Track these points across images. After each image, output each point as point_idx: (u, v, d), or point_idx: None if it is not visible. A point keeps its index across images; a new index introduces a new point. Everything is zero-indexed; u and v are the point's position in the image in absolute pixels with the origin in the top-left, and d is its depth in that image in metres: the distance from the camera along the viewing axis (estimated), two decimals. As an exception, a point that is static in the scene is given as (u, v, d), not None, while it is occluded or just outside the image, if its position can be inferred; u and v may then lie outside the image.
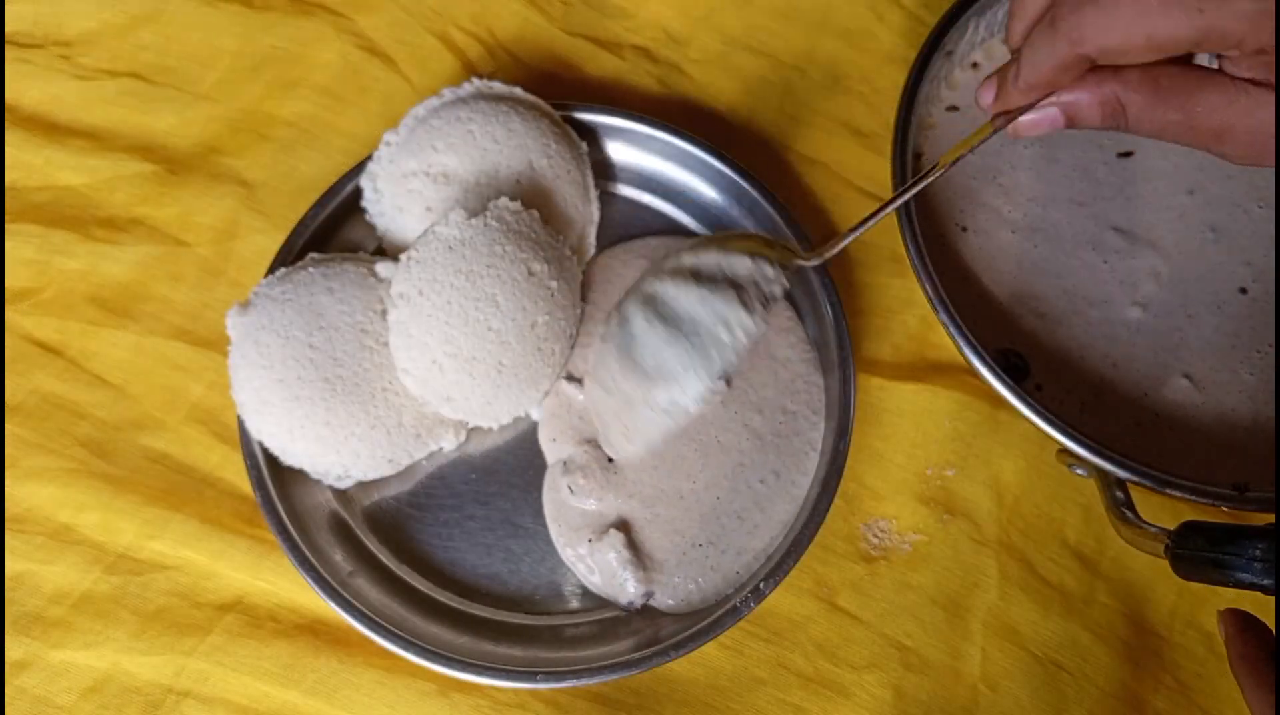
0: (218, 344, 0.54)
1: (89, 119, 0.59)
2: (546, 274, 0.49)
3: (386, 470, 0.50)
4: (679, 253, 0.46)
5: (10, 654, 0.49)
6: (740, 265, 0.44)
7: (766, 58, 0.62)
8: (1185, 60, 0.38)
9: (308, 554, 0.47)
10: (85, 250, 0.56)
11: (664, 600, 0.49)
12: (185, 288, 0.56)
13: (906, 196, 0.44)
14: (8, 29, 0.61)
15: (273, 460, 0.49)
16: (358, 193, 0.54)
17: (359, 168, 0.54)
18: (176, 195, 0.57)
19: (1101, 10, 0.36)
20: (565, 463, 0.51)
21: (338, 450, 0.48)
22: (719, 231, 0.56)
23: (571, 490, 0.50)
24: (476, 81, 0.54)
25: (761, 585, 0.47)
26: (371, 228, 0.54)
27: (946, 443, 0.53)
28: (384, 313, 0.49)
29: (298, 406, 0.47)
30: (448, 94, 0.54)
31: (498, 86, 0.54)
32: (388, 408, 0.49)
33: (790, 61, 0.62)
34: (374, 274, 0.50)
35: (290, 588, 0.50)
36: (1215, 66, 0.38)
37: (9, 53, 0.60)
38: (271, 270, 0.52)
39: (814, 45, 0.62)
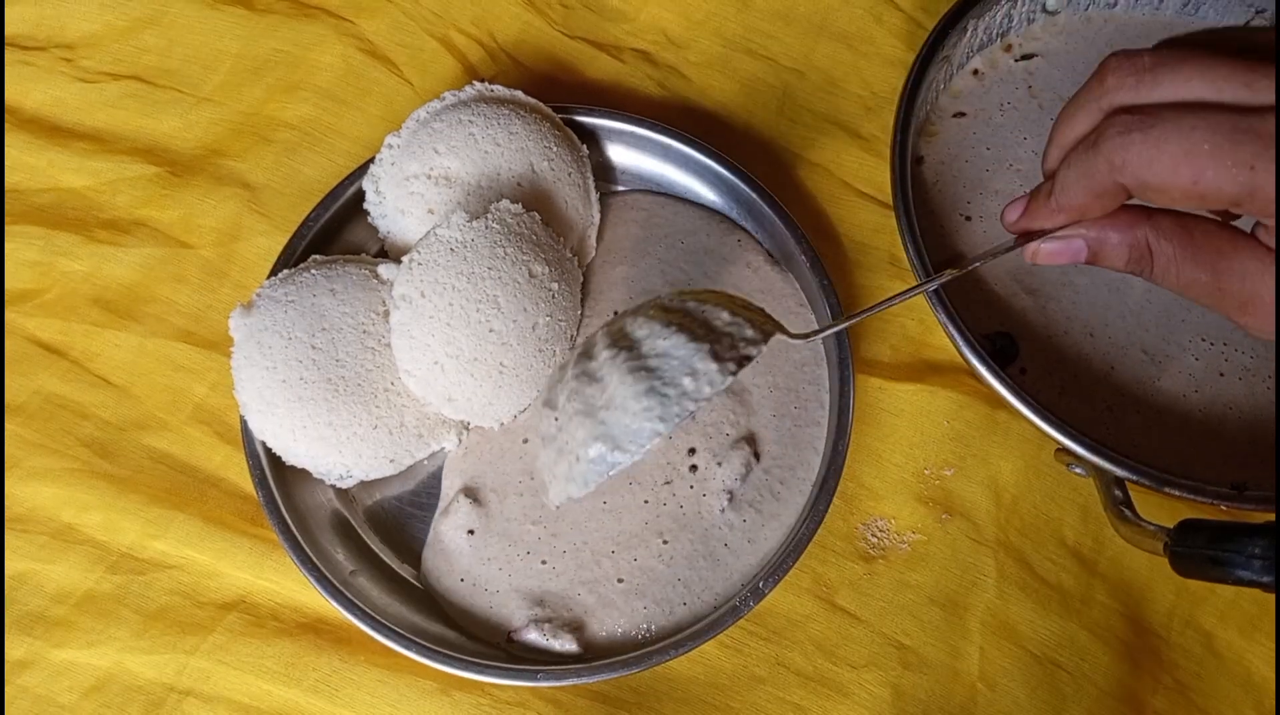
0: (221, 345, 0.54)
1: (91, 121, 0.59)
2: (547, 276, 0.49)
3: (388, 470, 0.50)
4: (659, 297, 0.43)
5: (12, 653, 0.49)
6: (719, 316, 0.41)
7: (765, 61, 0.62)
8: (1220, 220, 0.36)
9: (310, 553, 0.48)
10: (88, 252, 0.56)
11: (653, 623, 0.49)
12: (188, 289, 0.56)
13: (921, 290, 0.44)
14: (10, 31, 0.61)
15: (275, 460, 0.49)
16: (360, 195, 0.54)
17: (361, 170, 0.54)
18: (179, 197, 0.58)
19: (1150, 142, 0.34)
20: (456, 511, 0.50)
21: (340, 450, 0.48)
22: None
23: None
24: (478, 85, 0.55)
25: (761, 584, 0.47)
26: (374, 230, 0.54)
27: (945, 443, 0.53)
28: (386, 314, 0.49)
29: (300, 407, 0.47)
30: (449, 97, 0.54)
31: (499, 89, 0.55)
32: (390, 408, 0.49)
33: (789, 64, 0.62)
34: (376, 276, 0.50)
35: (292, 587, 0.50)
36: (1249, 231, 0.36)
37: (11, 55, 0.60)
38: (274, 272, 0.52)
39: (812, 48, 0.62)
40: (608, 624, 0.48)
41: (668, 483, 0.50)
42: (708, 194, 0.57)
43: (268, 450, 0.49)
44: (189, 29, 0.62)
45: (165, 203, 0.57)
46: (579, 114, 0.56)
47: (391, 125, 0.55)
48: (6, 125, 0.59)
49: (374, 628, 0.46)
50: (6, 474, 0.52)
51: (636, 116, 0.56)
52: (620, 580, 0.49)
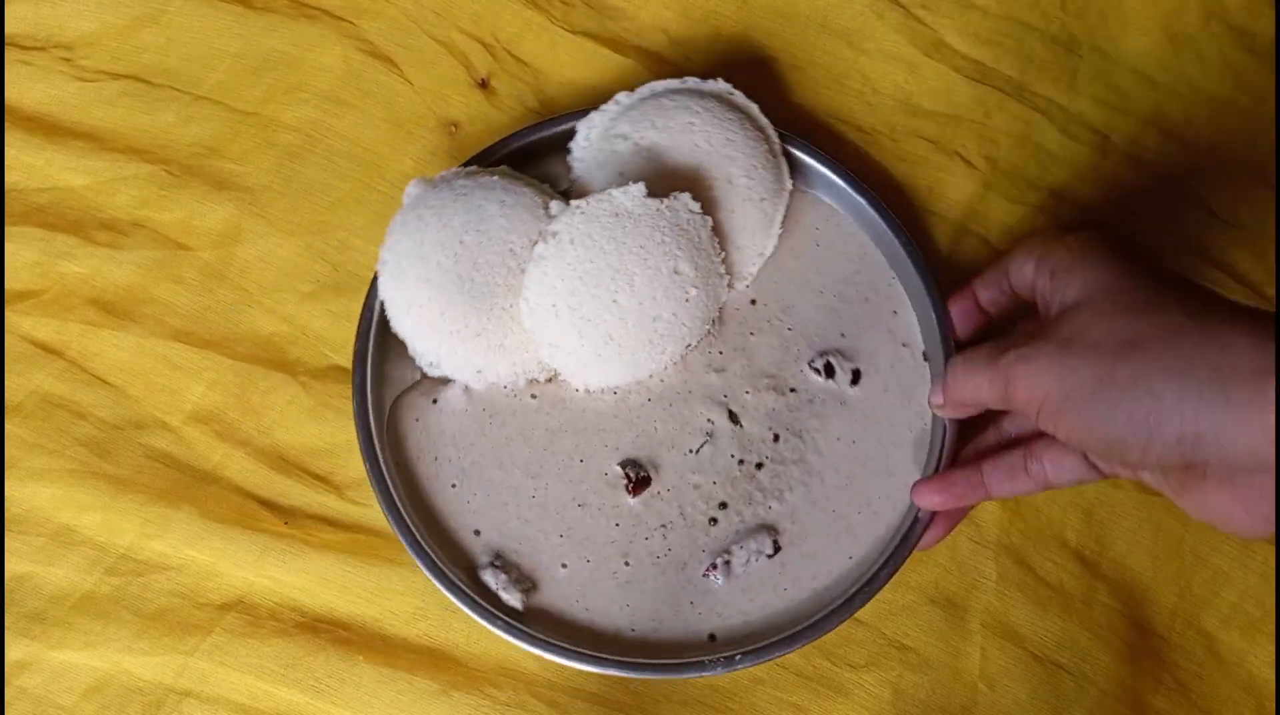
0: (219, 345, 0.54)
1: (90, 120, 0.59)
2: (691, 279, 0.50)
3: (473, 380, 0.51)
4: None
5: (11, 655, 0.49)
6: None
7: (766, 58, 0.62)
8: None
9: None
10: (86, 254, 0.56)
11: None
12: (186, 291, 0.56)
13: None
14: (9, 30, 0.61)
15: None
16: (571, 133, 0.55)
17: (579, 114, 0.55)
18: (178, 198, 0.57)
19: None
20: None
21: (440, 341, 0.50)
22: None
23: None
24: (721, 84, 0.56)
25: (739, 657, 0.47)
26: (568, 169, 0.55)
27: (946, 442, 0.53)
28: (535, 243, 0.50)
29: (426, 287, 0.49)
30: (691, 82, 0.55)
31: (738, 97, 0.55)
32: (498, 326, 0.50)
33: (790, 61, 0.62)
34: (546, 207, 0.51)
35: (291, 586, 0.50)
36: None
37: (10, 54, 0.60)
38: (467, 163, 0.53)
39: (813, 45, 0.62)
40: (553, 598, 0.49)
41: (663, 525, 0.50)
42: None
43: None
44: (188, 28, 0.61)
45: (164, 203, 0.57)
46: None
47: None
48: (5, 124, 0.59)
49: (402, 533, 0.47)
50: (4, 475, 0.52)
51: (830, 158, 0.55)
52: (565, 565, 0.49)
